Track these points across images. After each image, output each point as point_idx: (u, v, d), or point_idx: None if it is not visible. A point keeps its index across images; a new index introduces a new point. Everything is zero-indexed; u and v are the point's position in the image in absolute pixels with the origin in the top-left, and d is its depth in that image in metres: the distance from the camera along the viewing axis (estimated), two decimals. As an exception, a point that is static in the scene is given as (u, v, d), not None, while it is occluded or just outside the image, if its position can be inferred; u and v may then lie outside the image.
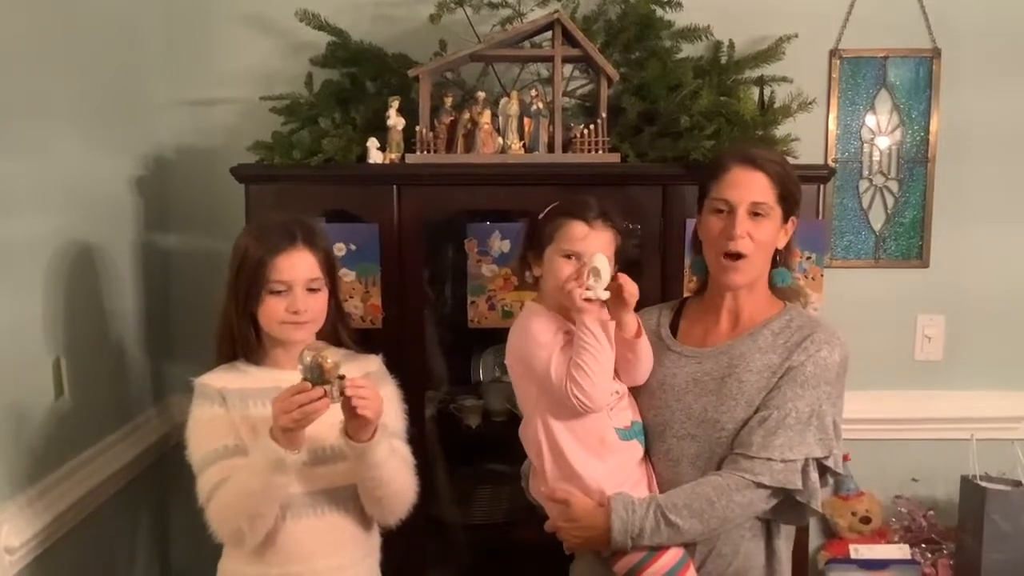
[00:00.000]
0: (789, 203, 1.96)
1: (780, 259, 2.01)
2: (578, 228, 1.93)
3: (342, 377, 1.73)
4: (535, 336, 1.92)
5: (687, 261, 2.46)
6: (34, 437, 2.19)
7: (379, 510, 1.97)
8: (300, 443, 1.78)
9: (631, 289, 1.91)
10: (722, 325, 2.01)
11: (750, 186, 1.92)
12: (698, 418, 1.93)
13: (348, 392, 1.74)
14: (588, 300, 1.87)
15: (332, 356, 1.73)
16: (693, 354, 2.00)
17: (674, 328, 2.10)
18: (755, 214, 1.91)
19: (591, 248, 1.91)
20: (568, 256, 1.92)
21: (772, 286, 2.02)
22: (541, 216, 1.99)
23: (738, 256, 1.91)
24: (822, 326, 1.95)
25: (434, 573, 2.80)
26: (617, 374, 2.01)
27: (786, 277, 2.02)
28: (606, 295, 1.88)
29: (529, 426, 1.98)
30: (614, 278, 1.89)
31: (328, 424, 1.80)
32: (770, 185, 1.92)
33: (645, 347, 1.99)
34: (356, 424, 1.79)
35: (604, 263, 1.87)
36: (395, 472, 1.91)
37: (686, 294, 2.32)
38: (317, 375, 1.71)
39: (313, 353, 1.73)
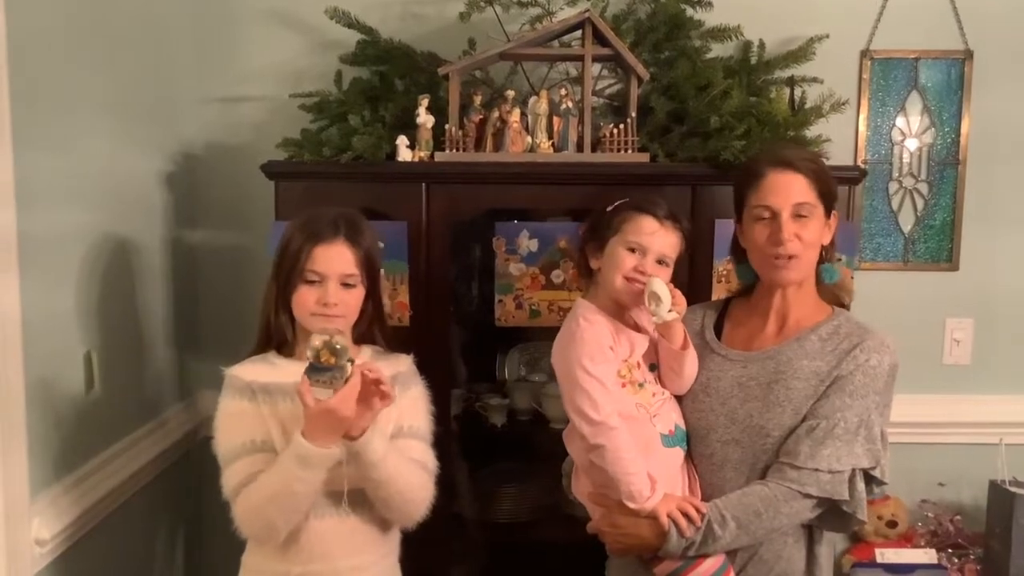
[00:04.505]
0: (829, 199, 1.94)
1: (825, 255, 1.98)
2: (648, 222, 1.93)
3: (351, 361, 1.76)
4: (583, 355, 1.90)
5: (716, 264, 2.47)
6: (65, 430, 2.20)
7: (388, 512, 1.96)
8: (338, 439, 1.78)
9: (681, 304, 1.92)
10: (768, 328, 1.98)
11: (790, 189, 1.89)
12: (743, 423, 1.90)
13: (364, 371, 1.76)
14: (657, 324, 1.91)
15: (341, 341, 1.75)
16: (738, 357, 1.98)
17: (718, 330, 2.07)
18: (799, 215, 1.88)
19: (657, 244, 1.92)
20: (632, 249, 1.92)
21: (819, 283, 1.99)
22: (609, 208, 1.99)
23: (790, 257, 1.89)
24: (871, 333, 1.91)
25: (458, 571, 2.80)
26: (661, 380, 2.01)
27: (834, 274, 2.00)
28: (672, 316, 1.88)
29: (575, 430, 1.93)
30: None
31: None
32: (809, 184, 1.89)
33: (691, 359, 1.98)
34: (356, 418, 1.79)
35: (661, 286, 1.87)
36: (394, 473, 1.88)
37: (724, 294, 2.30)
38: (326, 359, 1.74)
39: (324, 338, 1.75)
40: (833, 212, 1.96)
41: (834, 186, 1.96)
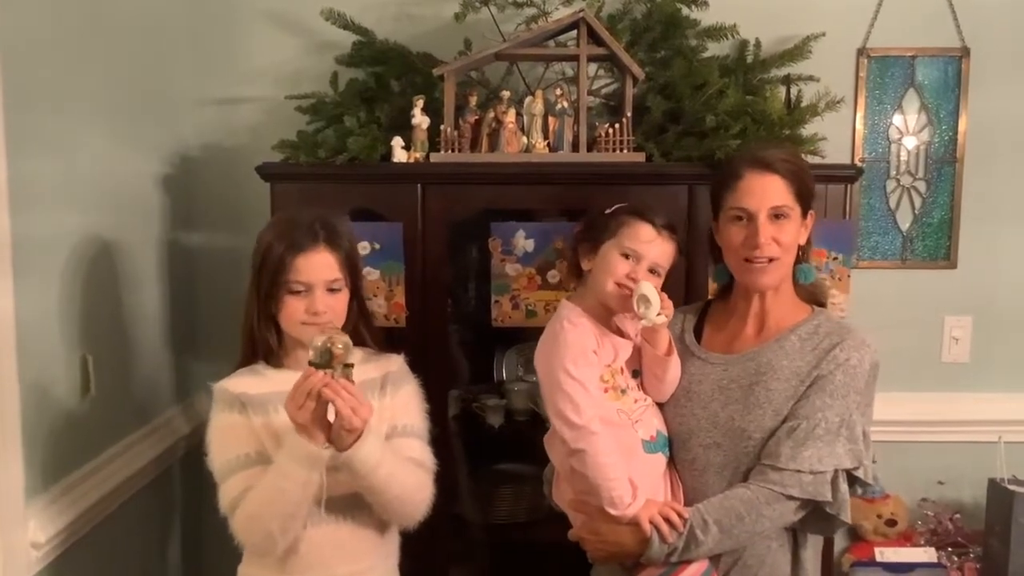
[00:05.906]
0: (807, 199, 1.92)
1: (802, 255, 1.97)
2: (646, 230, 1.91)
3: (350, 365, 1.75)
4: (565, 358, 1.89)
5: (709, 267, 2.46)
6: (61, 434, 2.20)
7: (387, 515, 1.95)
8: (323, 436, 1.77)
9: (668, 308, 1.90)
10: (748, 330, 1.97)
11: (766, 191, 1.88)
12: (724, 427, 1.89)
13: (327, 394, 1.72)
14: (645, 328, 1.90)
15: (342, 341, 1.74)
16: (719, 360, 1.97)
17: (698, 333, 2.06)
18: (776, 216, 1.87)
19: (652, 253, 1.90)
20: (626, 255, 1.91)
21: (795, 283, 1.98)
22: (608, 211, 1.97)
23: (769, 260, 1.88)
24: (851, 332, 1.90)
25: (456, 572, 2.80)
26: (643, 386, 2.00)
27: (809, 274, 1.98)
28: (661, 319, 1.87)
29: (556, 436, 1.93)
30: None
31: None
32: (786, 186, 1.88)
33: (675, 365, 1.96)
34: (336, 430, 1.77)
35: (651, 289, 1.85)
36: (390, 479, 1.85)
37: (710, 296, 2.30)
38: (327, 359, 1.73)
39: (324, 337, 1.75)
40: (810, 212, 1.95)
41: (812, 185, 1.95)
